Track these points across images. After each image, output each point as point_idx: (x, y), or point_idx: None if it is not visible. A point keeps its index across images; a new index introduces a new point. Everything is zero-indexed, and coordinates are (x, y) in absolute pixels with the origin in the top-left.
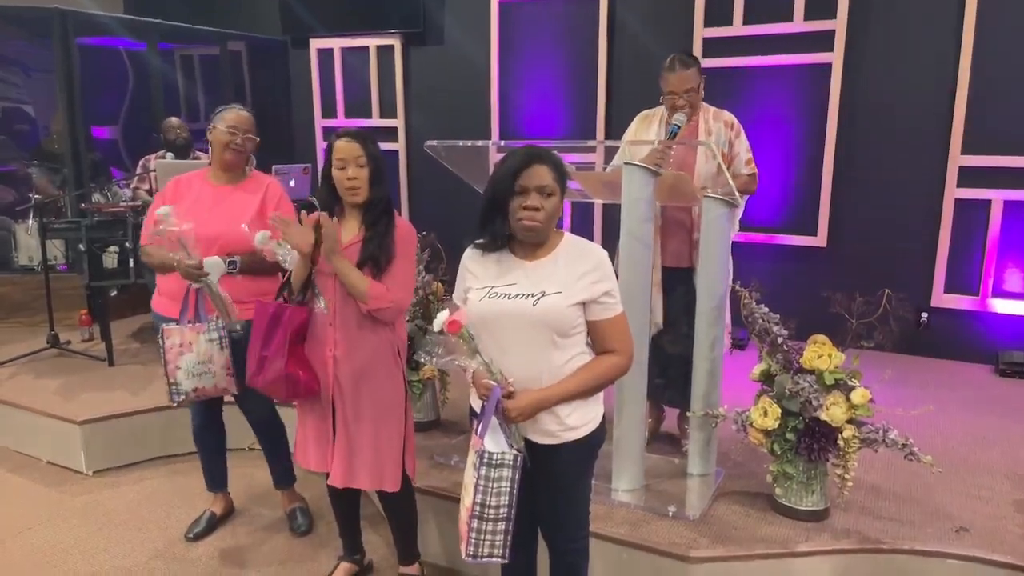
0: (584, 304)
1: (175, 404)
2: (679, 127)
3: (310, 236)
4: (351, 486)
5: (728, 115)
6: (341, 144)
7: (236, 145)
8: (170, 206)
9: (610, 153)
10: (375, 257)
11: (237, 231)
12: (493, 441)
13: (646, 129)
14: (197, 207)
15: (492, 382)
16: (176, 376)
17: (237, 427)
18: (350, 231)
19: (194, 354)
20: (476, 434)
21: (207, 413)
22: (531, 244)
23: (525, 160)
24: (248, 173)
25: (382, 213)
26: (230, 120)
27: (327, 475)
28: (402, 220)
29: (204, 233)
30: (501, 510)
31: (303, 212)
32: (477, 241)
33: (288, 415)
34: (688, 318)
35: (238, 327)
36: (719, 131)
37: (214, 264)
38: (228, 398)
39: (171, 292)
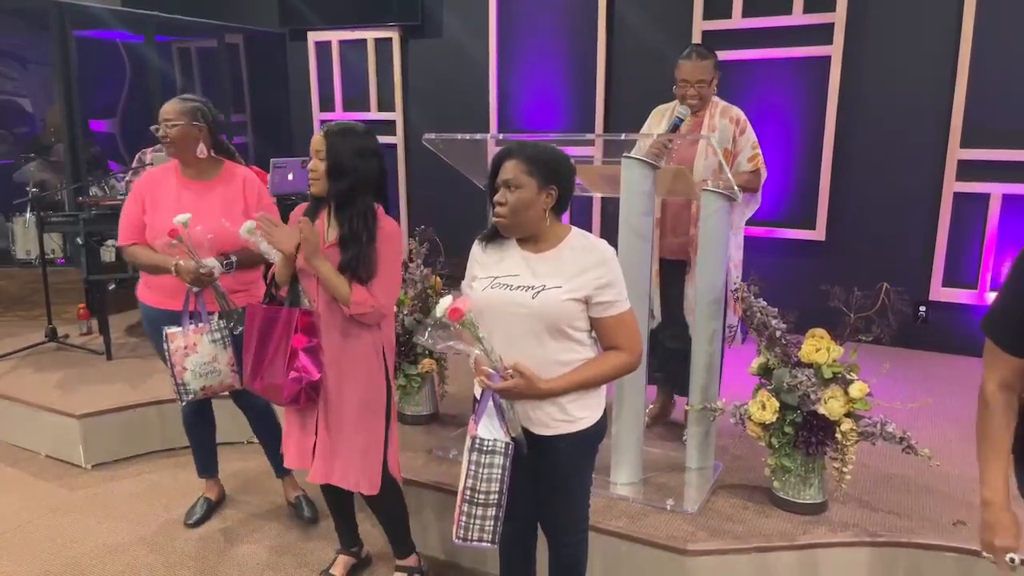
0: (587, 301)
1: (183, 403)
2: (681, 120)
3: (295, 238)
4: (329, 482)
5: (736, 111)
6: (313, 137)
7: (163, 139)
8: (188, 214)
9: (609, 146)
10: (353, 267)
11: (227, 229)
12: (486, 428)
13: (659, 123)
14: (179, 207)
15: (491, 370)
16: (184, 377)
17: (236, 421)
18: (334, 228)
19: (199, 355)
20: (472, 420)
21: (197, 404)
22: (532, 237)
23: (497, 159)
24: (219, 169)
25: (357, 217)
26: (160, 116)
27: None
28: (387, 222)
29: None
30: (491, 496)
31: (303, 217)
32: (483, 232)
33: (278, 409)
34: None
35: (240, 329)
36: (724, 127)
37: (213, 267)
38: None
39: (159, 285)
